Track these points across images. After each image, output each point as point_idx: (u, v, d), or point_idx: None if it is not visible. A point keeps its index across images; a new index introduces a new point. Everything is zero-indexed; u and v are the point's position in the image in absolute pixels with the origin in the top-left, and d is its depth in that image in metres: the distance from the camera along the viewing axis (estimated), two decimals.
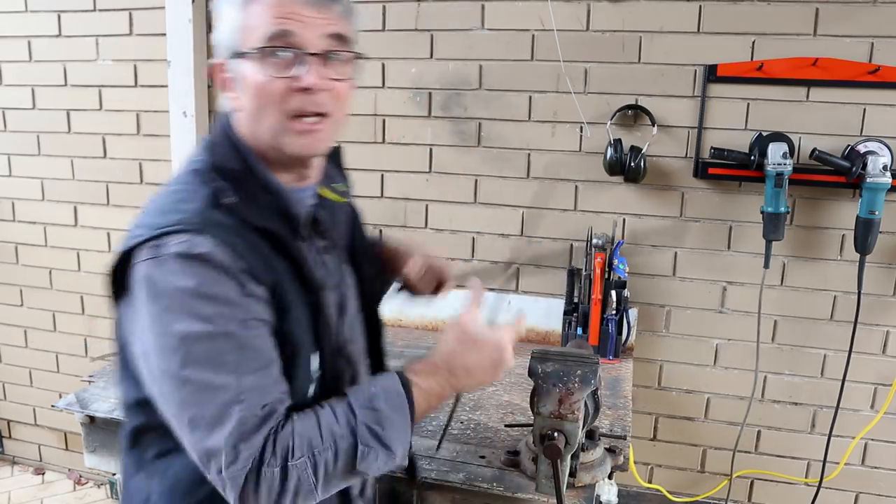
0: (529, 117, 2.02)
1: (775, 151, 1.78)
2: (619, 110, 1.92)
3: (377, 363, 1.16)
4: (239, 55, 0.88)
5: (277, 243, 0.88)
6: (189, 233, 0.81)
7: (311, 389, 0.92)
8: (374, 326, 1.14)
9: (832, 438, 1.96)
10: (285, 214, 0.92)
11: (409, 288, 1.27)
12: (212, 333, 0.80)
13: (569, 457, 1.15)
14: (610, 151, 1.89)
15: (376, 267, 1.21)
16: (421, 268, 1.24)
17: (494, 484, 1.27)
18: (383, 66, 2.09)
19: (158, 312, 0.80)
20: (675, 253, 2.01)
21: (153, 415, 0.86)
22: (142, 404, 0.89)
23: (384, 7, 2.06)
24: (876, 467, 2.02)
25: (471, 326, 0.96)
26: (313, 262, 0.96)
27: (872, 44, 1.78)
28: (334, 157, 1.10)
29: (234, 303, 0.81)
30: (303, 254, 0.92)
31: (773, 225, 1.83)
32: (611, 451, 1.35)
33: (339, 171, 1.12)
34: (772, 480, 2.09)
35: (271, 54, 0.86)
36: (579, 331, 1.92)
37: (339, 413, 0.86)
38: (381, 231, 2.18)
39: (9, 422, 2.85)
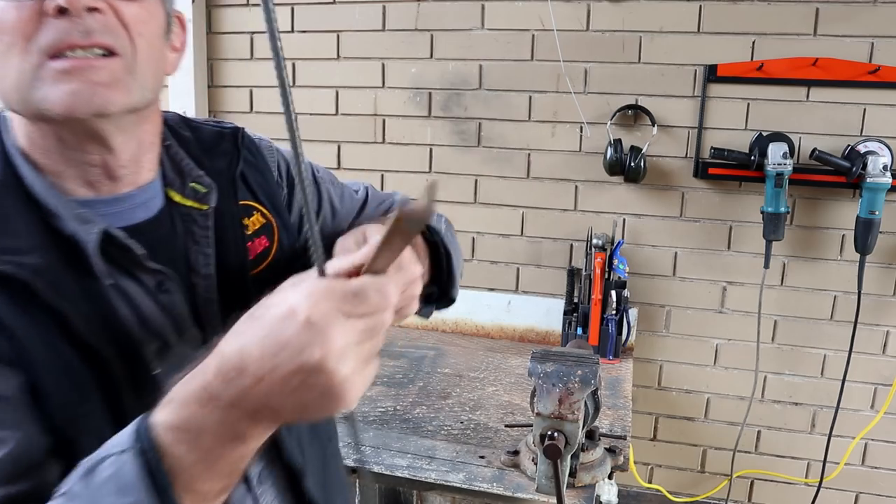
0: (529, 117, 2.02)
1: (775, 151, 1.78)
2: (619, 110, 1.91)
3: None
4: None
5: (25, 289, 0.56)
6: None
7: None
8: None
9: (832, 438, 1.96)
10: (65, 240, 0.60)
11: None
12: None
13: (569, 457, 1.16)
14: (610, 151, 1.89)
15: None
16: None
17: (494, 484, 1.26)
18: (383, 66, 2.09)
19: None
20: (675, 253, 2.01)
21: None
22: None
23: (384, 7, 2.06)
24: (876, 467, 2.02)
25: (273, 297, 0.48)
26: (127, 308, 0.62)
27: (872, 44, 1.78)
28: (224, 141, 0.75)
29: None
30: (74, 303, 0.58)
31: (773, 225, 1.83)
32: (611, 451, 1.35)
33: (255, 165, 0.77)
34: (772, 480, 2.09)
35: None
36: (579, 331, 1.92)
37: None
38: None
39: None
